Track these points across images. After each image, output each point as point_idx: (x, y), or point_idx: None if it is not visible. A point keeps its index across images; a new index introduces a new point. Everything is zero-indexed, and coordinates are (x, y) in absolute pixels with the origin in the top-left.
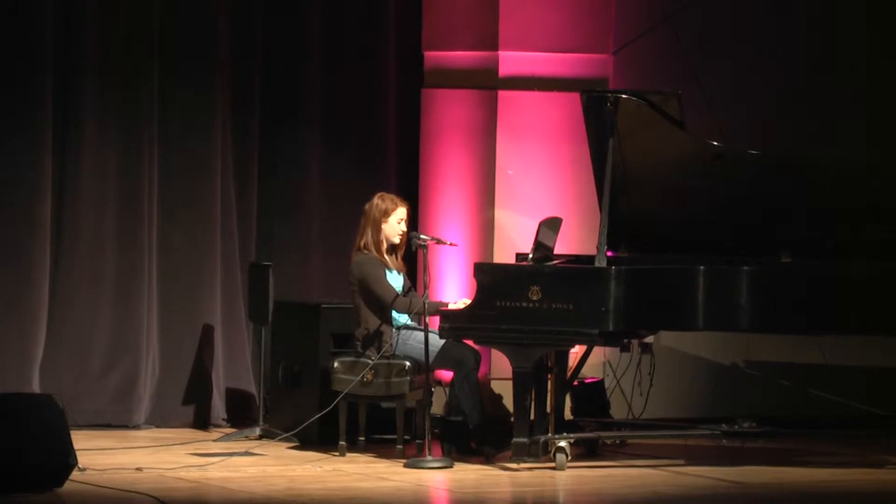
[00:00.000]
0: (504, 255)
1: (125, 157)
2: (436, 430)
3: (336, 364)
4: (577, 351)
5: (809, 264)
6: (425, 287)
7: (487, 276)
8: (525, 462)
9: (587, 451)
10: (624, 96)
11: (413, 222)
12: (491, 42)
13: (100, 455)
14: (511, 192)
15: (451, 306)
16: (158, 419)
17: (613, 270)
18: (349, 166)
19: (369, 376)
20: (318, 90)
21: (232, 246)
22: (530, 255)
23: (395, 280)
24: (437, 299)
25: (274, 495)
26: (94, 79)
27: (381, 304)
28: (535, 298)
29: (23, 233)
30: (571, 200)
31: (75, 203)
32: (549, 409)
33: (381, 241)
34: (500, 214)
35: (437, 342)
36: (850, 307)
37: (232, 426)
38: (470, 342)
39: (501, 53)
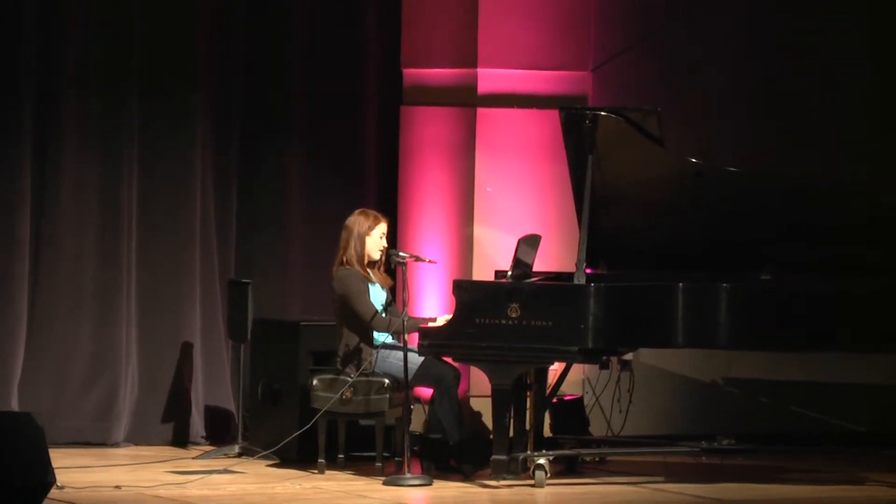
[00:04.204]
0: (483, 272)
1: (105, 175)
2: (415, 448)
3: (315, 382)
4: (556, 368)
5: (789, 281)
6: (404, 305)
7: (466, 293)
8: (504, 479)
9: (567, 469)
10: (603, 113)
11: (392, 239)
12: (470, 59)
13: (79, 473)
14: (490, 209)
15: (431, 324)
16: (138, 437)
17: (592, 288)
18: (328, 184)
19: (348, 394)
20: (297, 108)
21: (211, 263)
22: (509, 273)
23: (378, 293)
24: (417, 316)
25: None
26: (73, 98)
27: (361, 322)
28: (514, 316)
29: (2, 251)
30: (551, 218)
31: (55, 221)
32: (528, 427)
33: (364, 256)
34: (479, 231)
35: (416, 359)
36: (831, 324)
37: (211, 444)
38: (449, 359)
39: (480, 71)
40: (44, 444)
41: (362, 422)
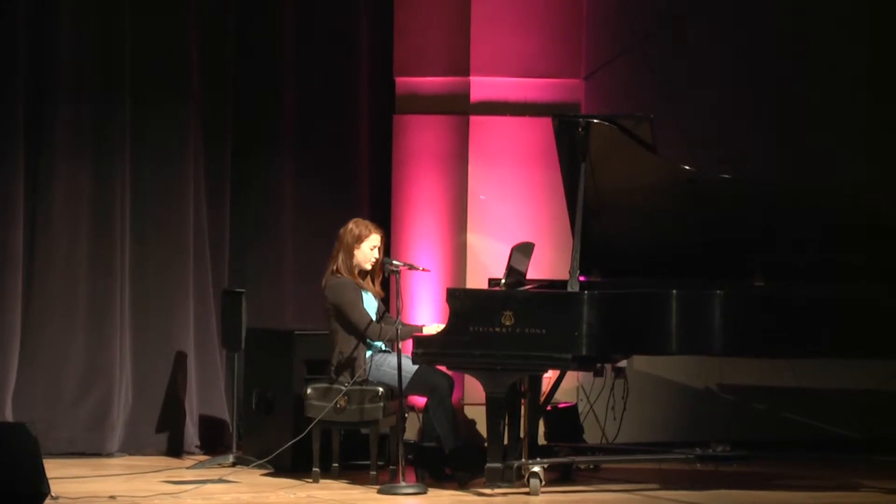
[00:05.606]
0: (477, 280)
1: (97, 184)
2: (409, 456)
3: (309, 390)
4: (550, 376)
5: (782, 288)
6: (398, 313)
7: (460, 301)
8: (499, 487)
9: (561, 476)
10: (595, 121)
11: (385, 248)
12: (462, 67)
13: (73, 483)
14: (483, 217)
15: (426, 330)
16: (132, 447)
17: (586, 295)
18: (321, 193)
19: (342, 403)
20: (289, 117)
21: (205, 273)
22: (503, 281)
23: (371, 302)
24: (411, 324)
25: None
26: (65, 107)
27: (356, 331)
28: (507, 324)
29: None
30: (544, 225)
31: (48, 230)
32: (522, 434)
33: (354, 267)
34: (472, 239)
35: (410, 368)
36: (823, 331)
37: (205, 453)
38: (443, 368)
39: (473, 79)
40: (38, 455)
41: (363, 430)
